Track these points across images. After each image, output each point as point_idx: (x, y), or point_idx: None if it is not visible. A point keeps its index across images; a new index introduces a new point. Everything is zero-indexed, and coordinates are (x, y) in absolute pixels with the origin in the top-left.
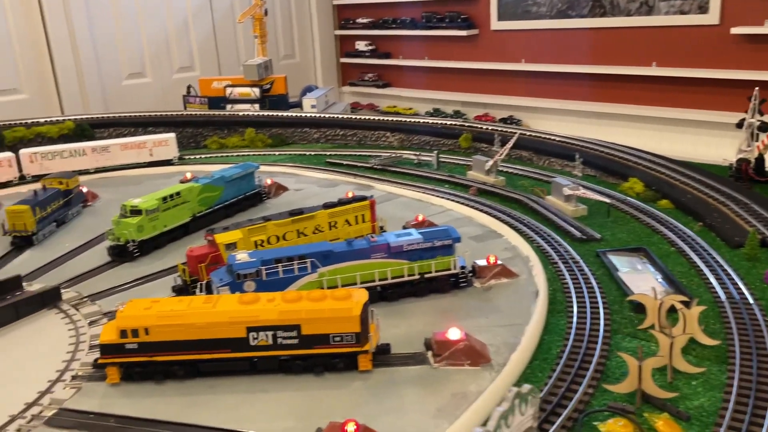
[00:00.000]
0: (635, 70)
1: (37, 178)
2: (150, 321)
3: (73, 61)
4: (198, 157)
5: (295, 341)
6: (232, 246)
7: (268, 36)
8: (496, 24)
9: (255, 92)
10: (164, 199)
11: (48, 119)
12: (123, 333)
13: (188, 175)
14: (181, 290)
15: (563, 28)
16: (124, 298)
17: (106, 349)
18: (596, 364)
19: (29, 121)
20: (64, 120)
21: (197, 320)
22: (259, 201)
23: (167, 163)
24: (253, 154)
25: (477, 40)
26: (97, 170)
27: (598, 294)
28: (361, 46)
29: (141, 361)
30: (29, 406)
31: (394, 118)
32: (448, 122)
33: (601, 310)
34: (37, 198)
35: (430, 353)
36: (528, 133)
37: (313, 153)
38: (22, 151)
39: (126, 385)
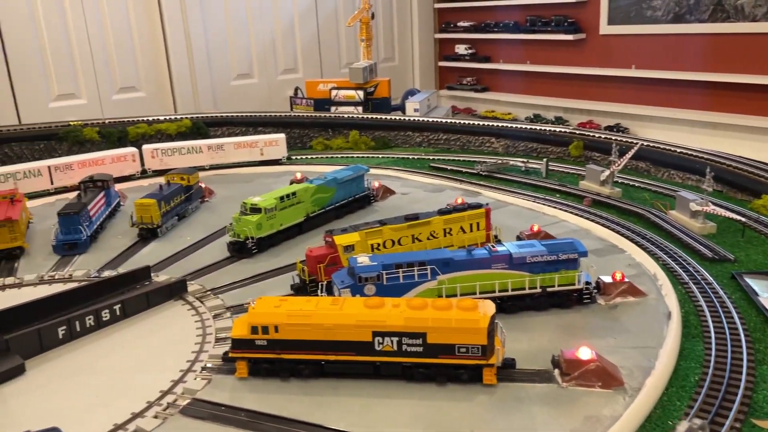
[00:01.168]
0: (760, 79)
1: (157, 173)
2: (280, 319)
3: (187, 61)
4: (304, 157)
5: (420, 349)
6: (350, 248)
7: (366, 39)
8: (605, 28)
9: (359, 95)
10: (281, 198)
11: (167, 117)
12: (254, 329)
13: (298, 175)
14: (299, 289)
15: (680, 33)
16: (245, 293)
17: (237, 344)
18: (742, 396)
19: (150, 118)
20: (181, 118)
21: (324, 321)
22: (368, 203)
23: (276, 162)
24: (357, 156)
25: (583, 45)
26: (212, 167)
27: (736, 319)
28: (460, 49)
29: (269, 357)
30: (164, 394)
31: (500, 124)
32: (557, 129)
33: (743, 337)
34: (162, 192)
35: (557, 371)
36: (646, 143)
37: (416, 157)
38: (145, 147)
39: (253, 380)
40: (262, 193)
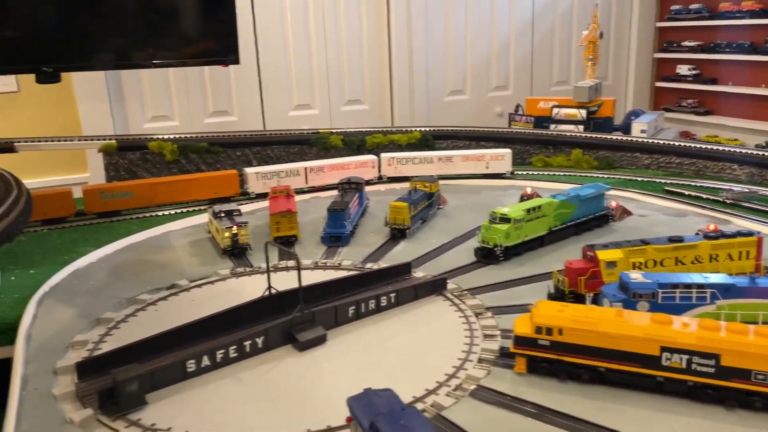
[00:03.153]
0: None
1: (391, 180)
2: (564, 323)
3: (408, 77)
4: (527, 173)
5: (711, 370)
6: (612, 264)
7: (593, 58)
8: None
9: (581, 114)
10: (528, 210)
11: (399, 129)
12: (538, 329)
13: (528, 190)
14: (555, 299)
15: None
16: (500, 296)
17: (520, 341)
18: None
19: (384, 129)
20: (412, 130)
21: (610, 330)
22: (605, 223)
23: (499, 176)
24: (579, 176)
25: None
26: (440, 177)
27: None
28: (683, 70)
29: (550, 357)
30: (449, 377)
31: (748, 151)
32: None
33: None
34: (411, 197)
35: None
36: None
37: (644, 179)
38: (383, 155)
39: (531, 377)
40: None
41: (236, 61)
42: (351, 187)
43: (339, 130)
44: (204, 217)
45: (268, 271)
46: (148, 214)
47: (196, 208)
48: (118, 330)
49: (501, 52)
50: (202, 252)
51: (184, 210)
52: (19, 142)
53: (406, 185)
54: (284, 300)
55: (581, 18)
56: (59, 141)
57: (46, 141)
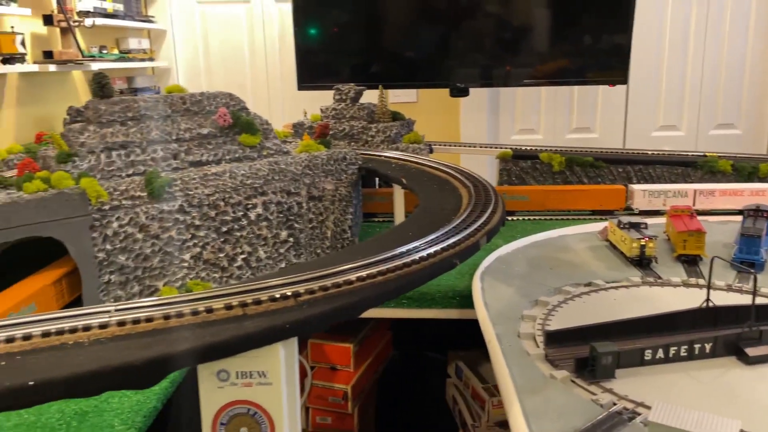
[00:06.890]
0: None
1: None
2: None
3: None
4: None
5: None
6: None
7: None
8: None
9: None
10: None
11: None
12: None
13: None
14: None
15: None
16: None
17: None
18: None
19: None
20: None
21: None
22: None
23: None
24: None
25: None
26: None
27: None
28: None
29: None
30: None
31: None
32: None
33: None
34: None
35: None
36: None
37: None
38: None
39: None
40: None
41: (624, 81)
42: (760, 214)
43: (728, 155)
44: (593, 226)
45: (708, 285)
46: (539, 218)
47: (580, 217)
48: (556, 312)
49: None
50: (605, 258)
51: (572, 218)
52: (435, 145)
53: None
54: (719, 314)
55: None
56: (464, 146)
57: (455, 145)
